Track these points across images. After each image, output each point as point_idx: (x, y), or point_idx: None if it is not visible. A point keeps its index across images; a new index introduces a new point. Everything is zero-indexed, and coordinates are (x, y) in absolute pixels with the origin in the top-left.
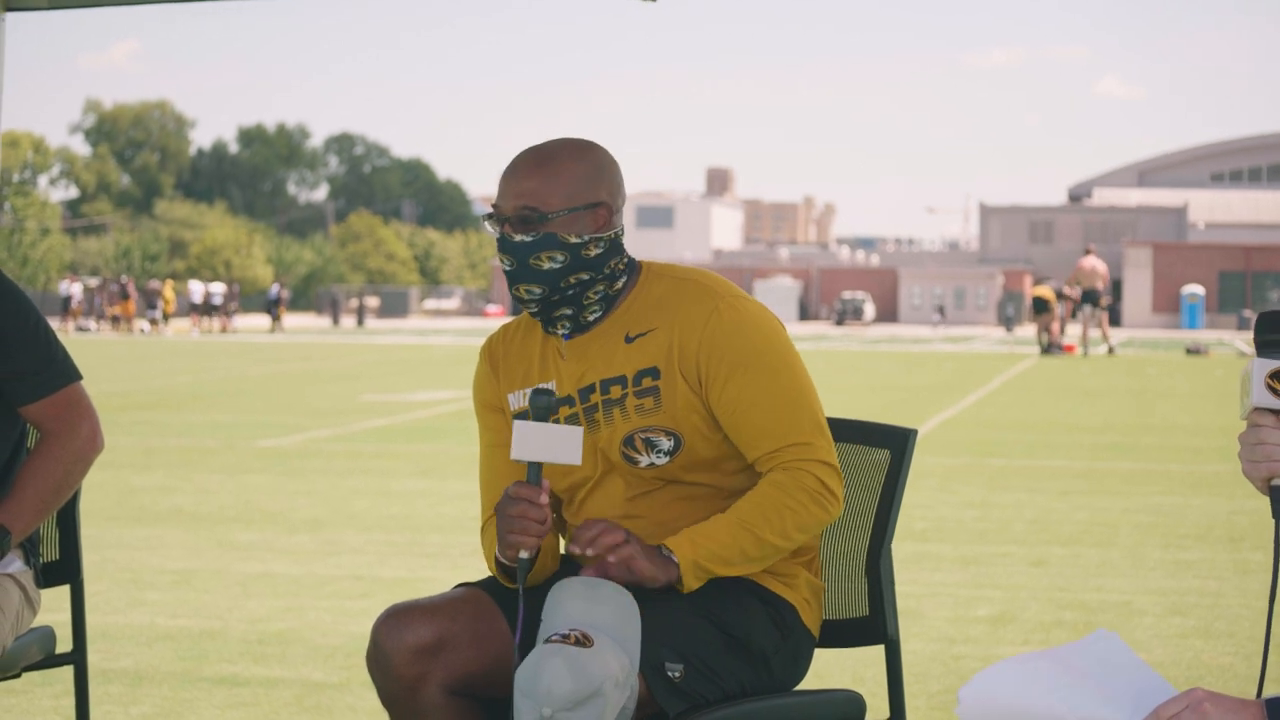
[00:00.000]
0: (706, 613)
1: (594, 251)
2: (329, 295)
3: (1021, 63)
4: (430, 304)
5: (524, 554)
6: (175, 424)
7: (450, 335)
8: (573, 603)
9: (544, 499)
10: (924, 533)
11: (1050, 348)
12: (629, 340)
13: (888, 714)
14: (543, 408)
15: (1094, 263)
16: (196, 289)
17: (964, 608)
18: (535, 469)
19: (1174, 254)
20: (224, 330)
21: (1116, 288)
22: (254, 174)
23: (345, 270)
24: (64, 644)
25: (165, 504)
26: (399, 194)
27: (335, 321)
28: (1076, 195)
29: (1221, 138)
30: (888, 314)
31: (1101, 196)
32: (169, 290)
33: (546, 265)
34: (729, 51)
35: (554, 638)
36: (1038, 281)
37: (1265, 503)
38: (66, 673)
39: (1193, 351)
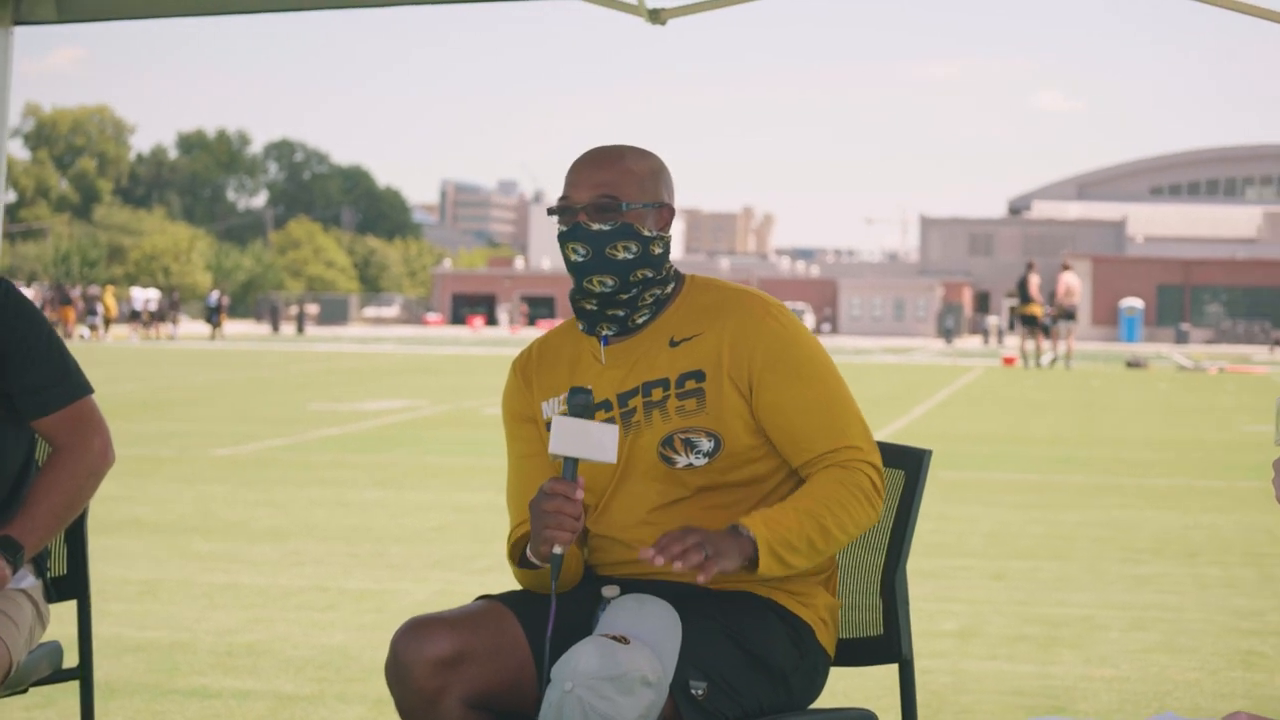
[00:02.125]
0: (729, 631)
1: (658, 250)
2: (268, 302)
3: (961, 75)
4: (370, 311)
5: (558, 549)
6: (127, 433)
7: (392, 343)
8: (621, 614)
9: (580, 494)
10: None
11: (1040, 360)
12: (674, 344)
13: None
14: (581, 405)
15: (1069, 279)
16: (139, 296)
17: (928, 621)
18: (571, 465)
19: (1113, 267)
20: (170, 338)
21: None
22: (193, 180)
23: (284, 277)
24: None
25: (124, 514)
26: (339, 201)
27: (275, 329)
28: (1016, 208)
29: (1160, 152)
30: (827, 325)
31: (1041, 209)
32: (109, 297)
33: (621, 255)
34: (669, 61)
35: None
36: (1024, 301)
37: (1220, 518)
38: (62, 687)
39: (1133, 365)
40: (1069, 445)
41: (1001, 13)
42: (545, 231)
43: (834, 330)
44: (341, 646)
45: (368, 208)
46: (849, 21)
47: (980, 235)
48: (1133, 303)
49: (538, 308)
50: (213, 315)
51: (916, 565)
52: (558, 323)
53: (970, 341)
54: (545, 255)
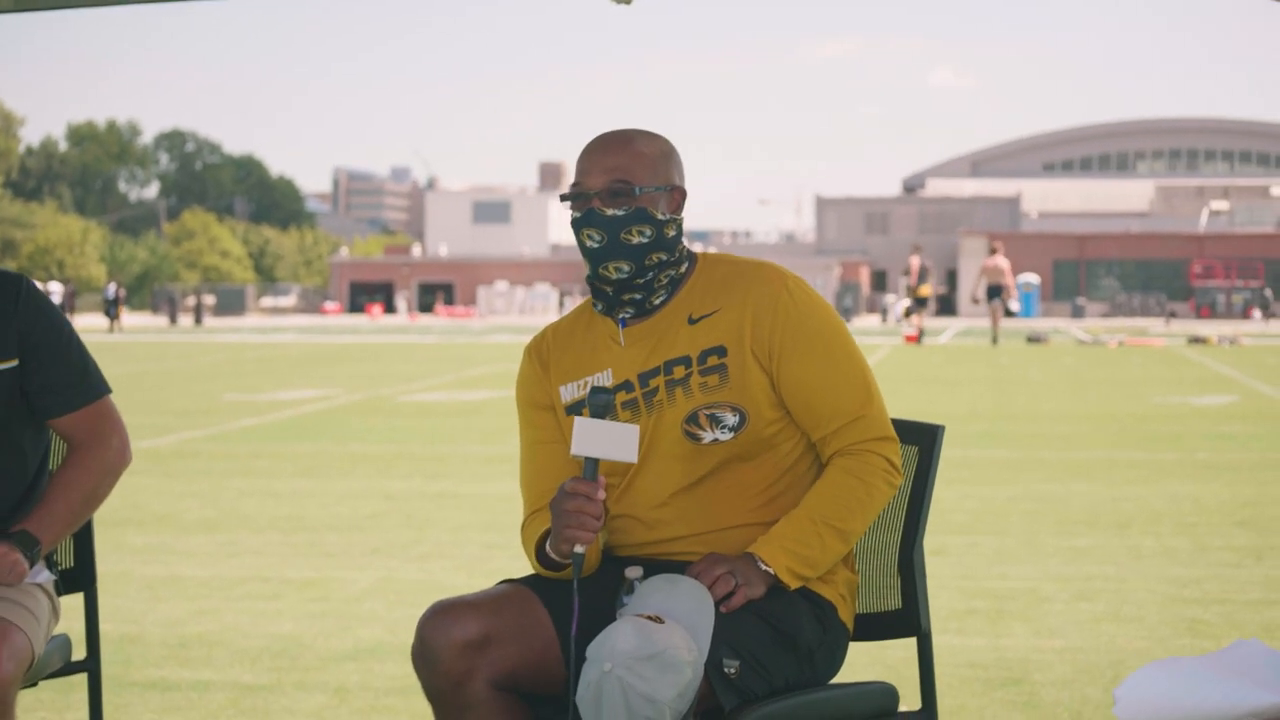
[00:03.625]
0: (758, 610)
1: (671, 232)
2: (165, 294)
3: (856, 54)
4: (267, 301)
5: (579, 549)
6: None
7: (292, 333)
8: (653, 595)
9: (601, 494)
10: None
11: (1030, 338)
12: (692, 322)
13: (919, 705)
14: (601, 405)
15: (998, 260)
16: (54, 289)
17: None
18: (592, 465)
19: (1008, 243)
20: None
21: (951, 278)
22: (84, 172)
23: (180, 268)
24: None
25: None
26: (231, 191)
27: (173, 320)
28: (911, 186)
29: (1053, 128)
30: None
31: (935, 187)
32: None
33: (636, 240)
34: (560, 44)
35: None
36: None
37: (1148, 489)
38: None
39: (1034, 340)
40: (988, 421)
41: None
42: (440, 218)
43: None
44: (293, 635)
45: (261, 197)
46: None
47: (876, 214)
48: (1029, 278)
49: (434, 295)
50: (111, 308)
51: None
52: (458, 309)
53: (869, 320)
54: (442, 242)
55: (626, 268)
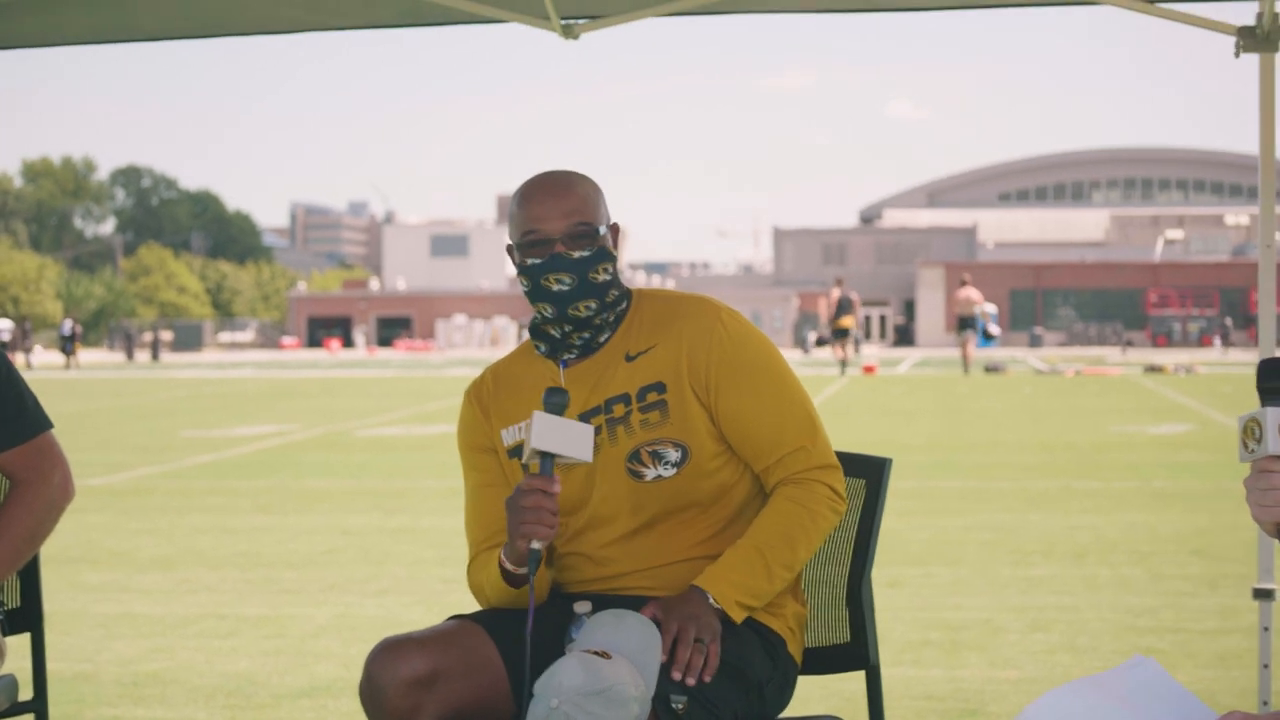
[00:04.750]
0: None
1: (613, 269)
2: (121, 330)
3: (813, 85)
4: (225, 337)
5: (536, 544)
6: None
7: (250, 368)
8: (600, 630)
9: (556, 488)
10: None
11: (988, 368)
12: (630, 359)
13: None
14: (558, 405)
15: (968, 292)
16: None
17: None
18: (548, 462)
19: (965, 273)
20: (27, 367)
21: (909, 308)
22: (39, 208)
23: (136, 304)
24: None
25: None
26: (188, 226)
27: (129, 356)
28: (868, 217)
29: (1008, 158)
30: None
31: (892, 218)
32: None
33: (601, 278)
34: (514, 77)
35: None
36: (838, 314)
37: (1103, 519)
38: None
39: (992, 370)
40: (944, 451)
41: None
42: (398, 252)
43: None
44: (248, 673)
45: (218, 232)
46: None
47: (833, 245)
48: (987, 308)
49: (393, 328)
50: (67, 344)
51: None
52: (416, 343)
53: (828, 351)
54: (400, 276)
55: (594, 305)
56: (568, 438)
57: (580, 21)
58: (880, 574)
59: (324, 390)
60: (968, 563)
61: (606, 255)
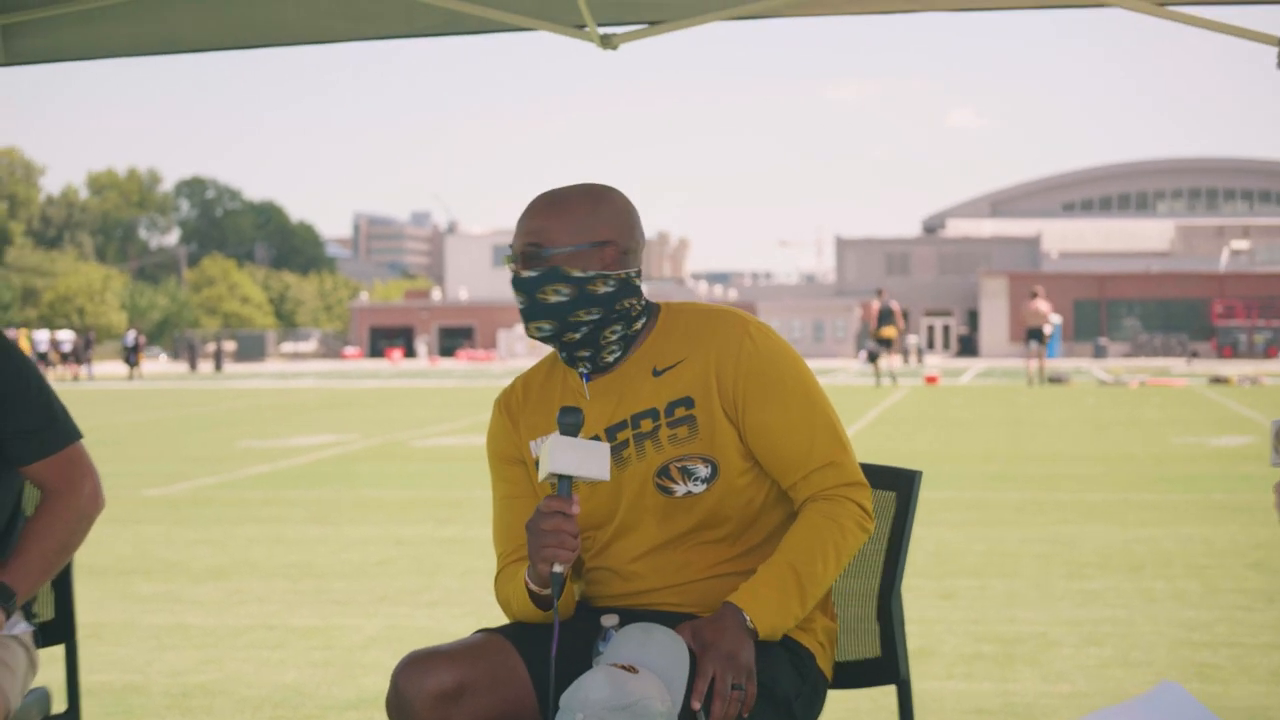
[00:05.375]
0: None
1: (602, 288)
2: (185, 340)
3: (876, 94)
4: (287, 347)
5: (558, 568)
6: None
7: (312, 378)
8: (627, 644)
9: (576, 509)
10: None
11: (1051, 379)
12: (657, 374)
13: None
14: (571, 425)
15: (1039, 304)
16: (42, 338)
17: None
18: (565, 484)
19: (1029, 284)
20: (87, 378)
21: (972, 318)
22: (105, 220)
23: (200, 314)
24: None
25: None
26: (251, 237)
27: (193, 367)
28: (931, 226)
29: (1072, 168)
30: None
31: (955, 227)
32: (24, 340)
33: (553, 299)
34: (582, 87)
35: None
36: (880, 324)
37: (1159, 531)
38: None
39: (1055, 381)
40: (1003, 462)
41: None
42: (461, 262)
43: None
44: (295, 684)
45: (281, 243)
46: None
47: (896, 255)
48: (1053, 319)
49: (455, 338)
50: (130, 355)
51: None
52: (478, 353)
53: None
54: (462, 286)
55: (548, 326)
56: (584, 458)
57: (619, 31)
58: (935, 586)
59: (383, 400)
60: (1023, 575)
61: (558, 277)
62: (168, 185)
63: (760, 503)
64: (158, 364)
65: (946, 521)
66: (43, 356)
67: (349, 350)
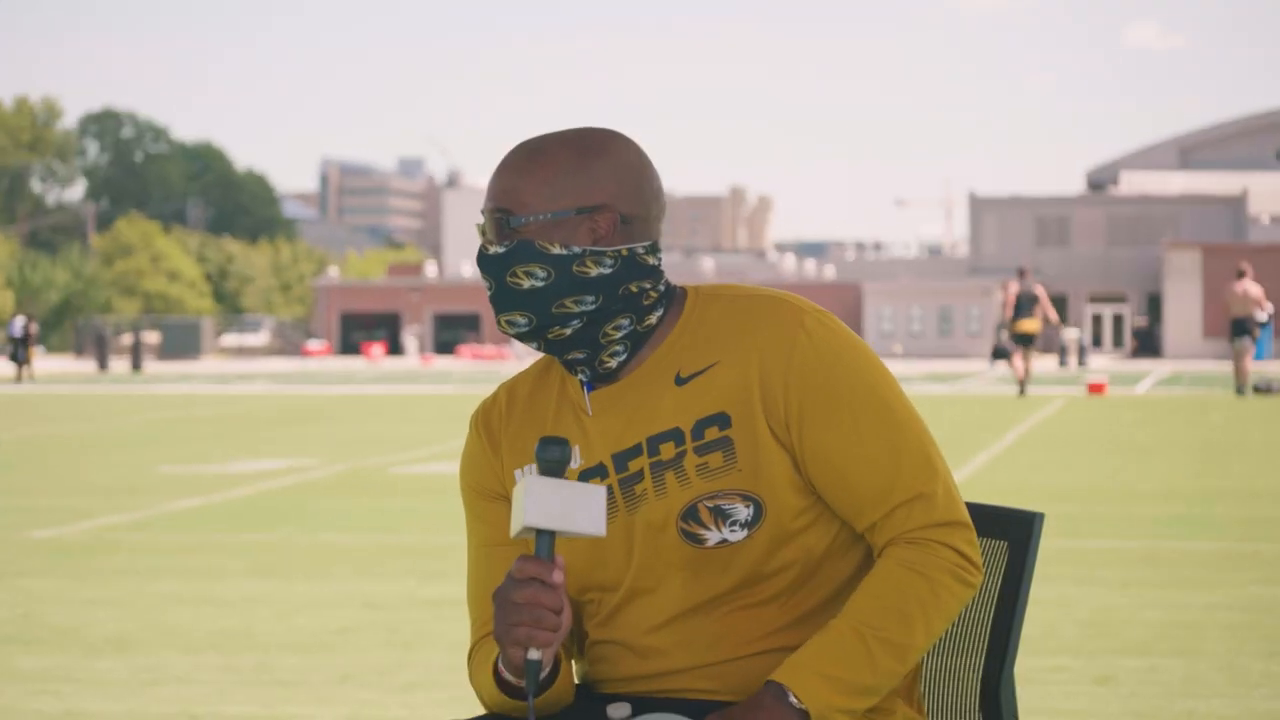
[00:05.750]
0: None
1: (594, 269)
2: (92, 329)
3: (1026, 5)
4: (230, 340)
5: (534, 654)
6: None
7: (262, 381)
8: None
9: (558, 577)
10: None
11: (1257, 387)
12: (681, 382)
13: None
14: (555, 461)
15: (1248, 286)
16: None
17: None
18: (546, 541)
19: (1230, 258)
20: None
21: (1153, 304)
22: None
23: (113, 295)
24: None
25: None
26: (183, 191)
27: (102, 365)
28: (1098, 182)
29: None
30: None
31: (1131, 183)
32: None
33: (526, 284)
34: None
35: None
36: (1018, 314)
37: None
38: None
39: (1262, 390)
40: (1186, 501)
41: None
42: (463, 227)
43: None
44: None
45: (222, 199)
46: None
47: (1051, 219)
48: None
49: (455, 329)
50: (19, 349)
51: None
52: (486, 349)
53: (1042, 362)
54: (465, 259)
55: (522, 320)
56: (569, 507)
57: None
58: (1088, 666)
59: (357, 412)
60: (1207, 653)
61: (532, 255)
62: (69, 121)
63: (822, 552)
64: (55, 361)
65: (1108, 580)
66: None
67: (312, 345)
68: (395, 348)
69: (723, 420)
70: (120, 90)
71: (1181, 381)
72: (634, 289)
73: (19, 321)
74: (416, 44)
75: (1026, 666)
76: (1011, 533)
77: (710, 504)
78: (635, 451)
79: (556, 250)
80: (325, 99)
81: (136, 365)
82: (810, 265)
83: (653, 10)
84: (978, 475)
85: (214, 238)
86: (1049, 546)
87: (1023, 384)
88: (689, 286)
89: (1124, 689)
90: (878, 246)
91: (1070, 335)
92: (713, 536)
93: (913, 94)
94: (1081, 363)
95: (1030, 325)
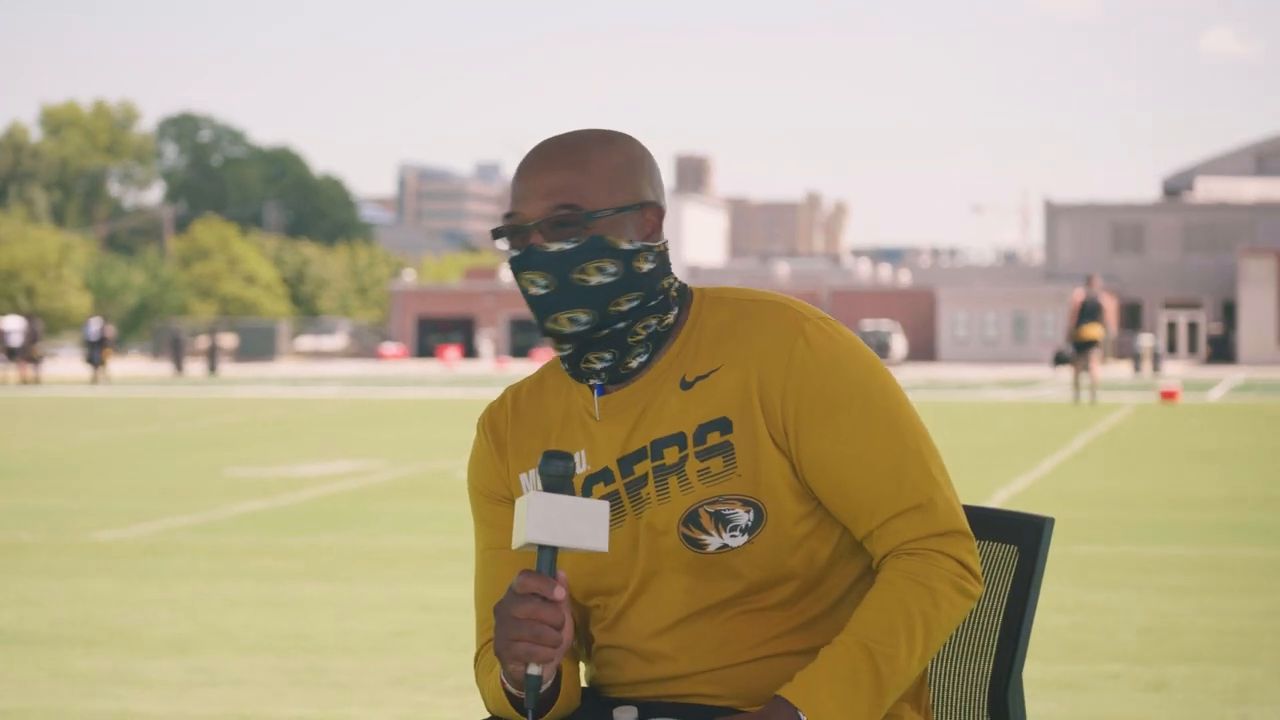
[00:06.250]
0: None
1: (645, 265)
2: (168, 332)
3: (1103, 12)
4: (305, 342)
5: (534, 669)
6: None
7: (335, 385)
8: None
9: (560, 593)
10: None
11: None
12: (686, 386)
13: None
14: (558, 476)
15: None
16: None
17: None
18: (548, 556)
19: None
20: (27, 381)
21: (1229, 312)
22: (63, 169)
23: (189, 298)
24: None
25: None
26: (260, 195)
27: (178, 368)
28: (1174, 188)
29: None
30: (923, 350)
31: (1208, 190)
32: None
33: (595, 280)
34: (704, 9)
35: None
36: (1082, 320)
37: None
38: None
39: None
40: (1251, 508)
41: None
42: None
43: (931, 357)
44: None
45: (300, 203)
46: None
47: (1126, 226)
48: None
49: (531, 333)
50: (94, 352)
51: (1049, 673)
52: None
53: (1114, 369)
54: None
55: (584, 317)
56: (571, 522)
57: None
58: (1144, 673)
59: (427, 416)
60: (1262, 661)
61: (604, 249)
62: (148, 124)
63: (826, 557)
64: (131, 364)
65: (1167, 588)
66: None
67: (388, 348)
68: (470, 351)
69: (724, 425)
70: (198, 93)
71: (1255, 389)
72: (665, 285)
73: (95, 324)
74: (495, 48)
75: (1081, 673)
76: (1021, 537)
77: (711, 509)
78: (640, 455)
79: (624, 245)
80: (403, 103)
81: (212, 368)
82: (885, 270)
83: (729, 17)
84: (1043, 481)
85: (291, 241)
86: (1111, 553)
87: (1086, 390)
88: (695, 288)
89: (1178, 695)
90: (953, 252)
91: (1145, 342)
92: (713, 542)
93: (990, 100)
94: (1156, 369)
95: (1093, 331)
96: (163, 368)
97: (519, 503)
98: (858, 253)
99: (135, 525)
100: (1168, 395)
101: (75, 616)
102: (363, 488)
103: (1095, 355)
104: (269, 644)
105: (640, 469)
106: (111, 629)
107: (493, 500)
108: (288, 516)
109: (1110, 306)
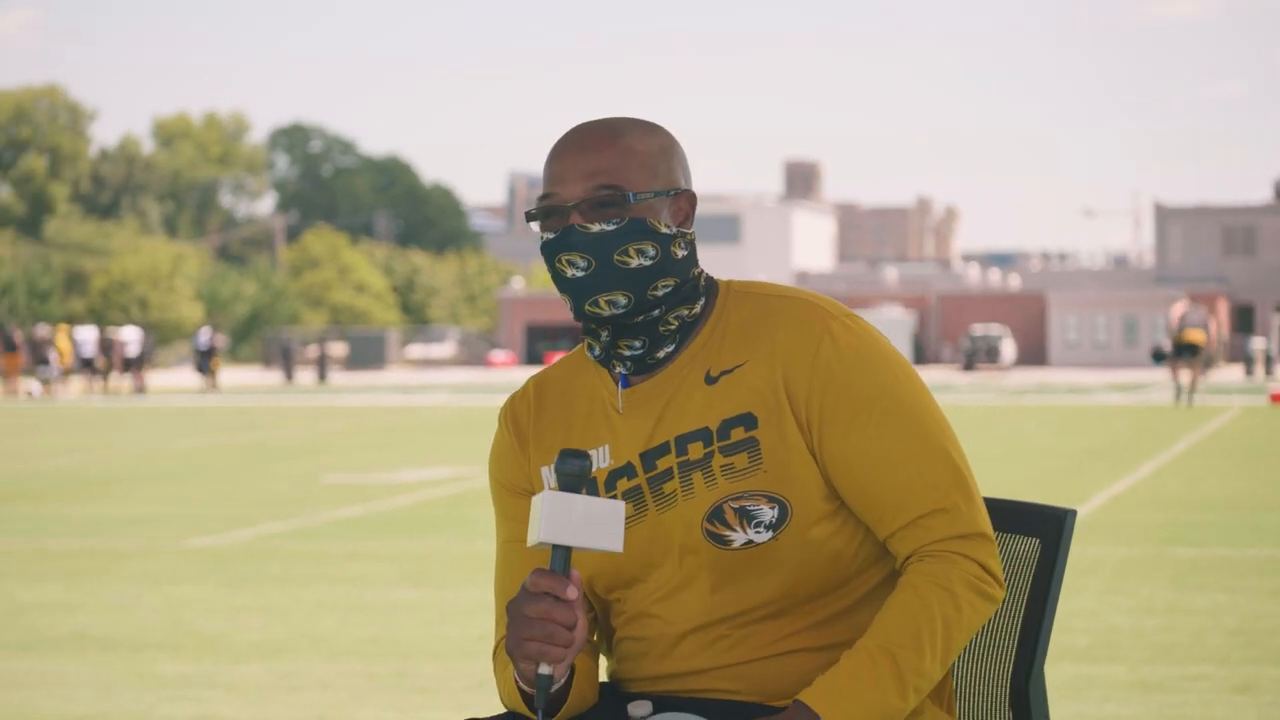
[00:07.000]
0: None
1: (680, 251)
2: (279, 341)
3: (1220, 9)
4: (415, 351)
5: (545, 669)
6: (76, 519)
7: (444, 392)
8: None
9: (573, 593)
10: (1088, 649)
11: (1188, 397)
12: (711, 380)
13: None
14: (573, 475)
15: None
16: (86, 338)
17: None
18: (562, 555)
19: None
20: (141, 390)
21: None
22: (175, 180)
23: (300, 307)
24: None
25: (65, 626)
26: (370, 204)
27: (288, 376)
28: None
29: None
30: (1033, 354)
31: None
32: (64, 339)
33: (635, 263)
34: (813, 14)
35: None
36: (1183, 325)
37: None
38: None
39: None
40: None
41: None
42: None
43: (1041, 361)
44: None
45: (410, 212)
46: None
47: (1237, 229)
48: None
49: None
50: (204, 360)
51: (1135, 675)
52: None
53: (1226, 373)
54: None
55: (624, 300)
56: (587, 522)
57: None
58: (1231, 675)
59: None
60: None
61: (645, 231)
62: (259, 135)
63: (851, 556)
64: (243, 372)
65: (1260, 590)
66: (88, 363)
67: (497, 355)
68: None
69: (749, 421)
70: (309, 104)
71: None
72: (694, 274)
73: (204, 333)
74: (604, 58)
75: (1167, 675)
76: (1043, 530)
77: (735, 505)
78: (663, 450)
79: (664, 229)
80: (513, 111)
81: (322, 376)
82: (995, 275)
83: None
84: (1143, 482)
85: (401, 250)
86: (1203, 555)
87: (1185, 393)
88: (721, 281)
89: (1264, 698)
90: (1064, 256)
91: (1257, 345)
92: (738, 538)
93: (1101, 103)
94: (1269, 373)
95: (1195, 335)
96: (273, 377)
97: (534, 501)
98: (968, 257)
99: (231, 532)
100: (1277, 398)
101: (163, 622)
102: (460, 493)
103: (1195, 361)
104: (356, 648)
105: (664, 464)
106: (200, 634)
107: (514, 493)
108: (383, 522)
109: (1221, 311)
